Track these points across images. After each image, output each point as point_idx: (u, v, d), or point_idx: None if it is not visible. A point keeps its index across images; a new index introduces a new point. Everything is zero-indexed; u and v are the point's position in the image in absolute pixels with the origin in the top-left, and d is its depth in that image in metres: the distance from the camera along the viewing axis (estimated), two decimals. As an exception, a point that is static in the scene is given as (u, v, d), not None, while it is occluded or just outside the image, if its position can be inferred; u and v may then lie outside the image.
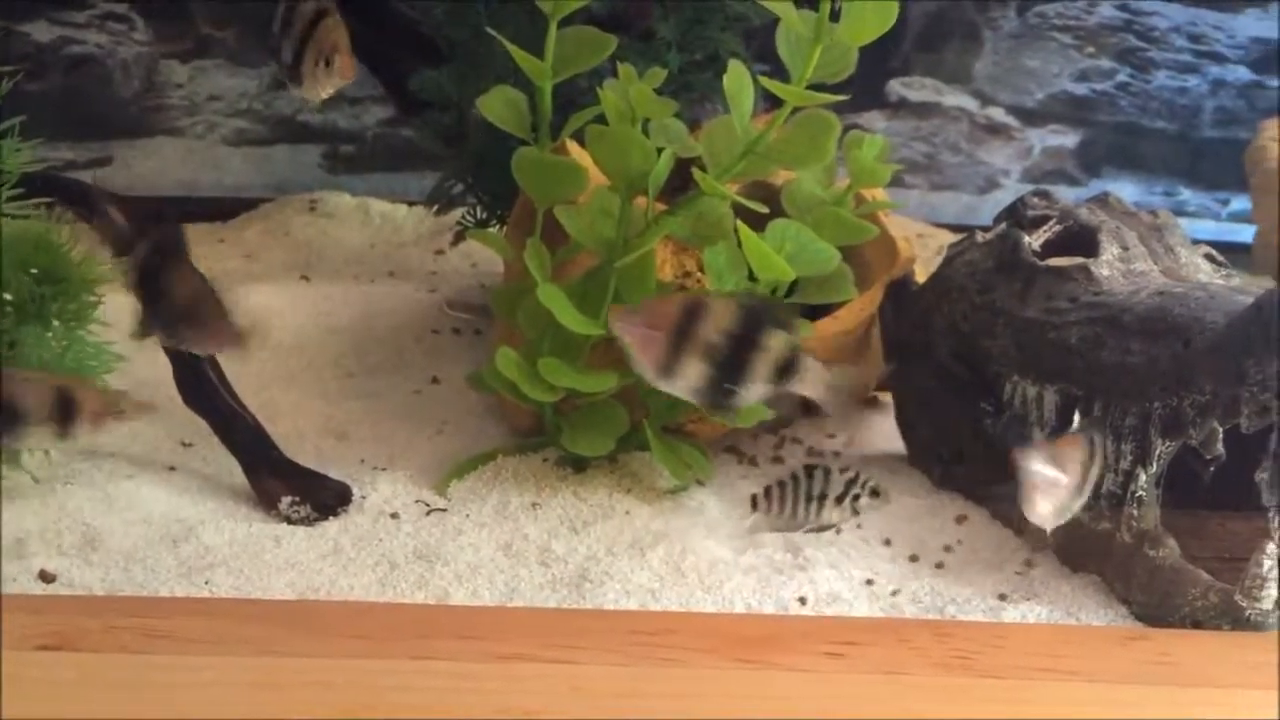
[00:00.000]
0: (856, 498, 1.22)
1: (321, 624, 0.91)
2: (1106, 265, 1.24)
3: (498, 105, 1.25)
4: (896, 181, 2.25)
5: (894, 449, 1.48)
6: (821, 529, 1.25)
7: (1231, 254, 2.03)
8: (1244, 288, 1.18)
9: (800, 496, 1.22)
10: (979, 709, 0.83)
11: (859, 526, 1.28)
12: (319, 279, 1.86)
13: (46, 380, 1.10)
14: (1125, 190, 2.21)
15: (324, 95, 1.20)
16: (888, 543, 1.27)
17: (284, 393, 1.53)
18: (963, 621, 1.02)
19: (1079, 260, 1.26)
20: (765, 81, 1.12)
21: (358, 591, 1.12)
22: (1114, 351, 1.17)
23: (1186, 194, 2.24)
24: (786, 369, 1.01)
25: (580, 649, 0.88)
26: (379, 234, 2.08)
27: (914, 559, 1.24)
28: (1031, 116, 2.21)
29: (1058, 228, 1.32)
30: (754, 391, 1.01)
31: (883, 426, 1.53)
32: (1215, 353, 1.07)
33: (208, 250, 1.94)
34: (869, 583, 1.18)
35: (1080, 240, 1.29)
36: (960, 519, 1.33)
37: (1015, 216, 1.38)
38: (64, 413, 1.06)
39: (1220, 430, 1.11)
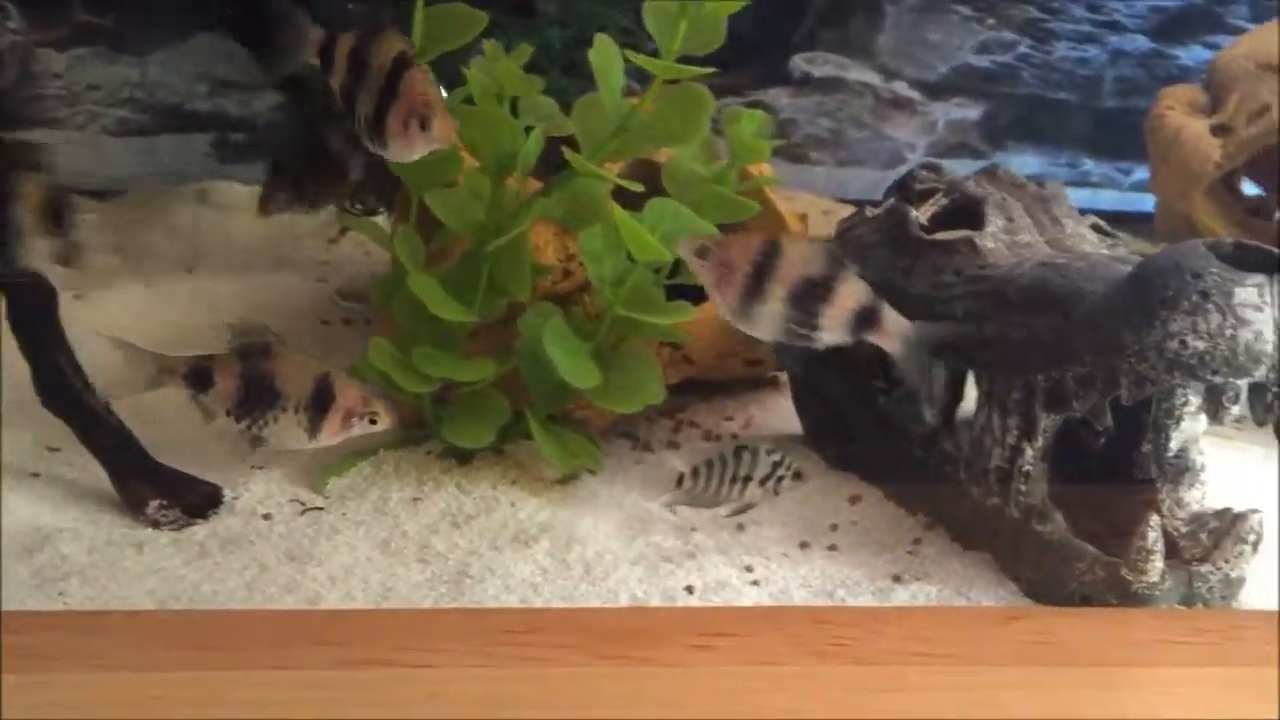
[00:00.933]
0: (780, 479, 1.20)
1: (168, 634, 0.86)
2: (991, 238, 1.22)
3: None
4: (802, 158, 2.25)
5: (791, 429, 1.46)
6: (743, 509, 1.23)
7: (1135, 224, 2.04)
8: (1126, 257, 1.16)
9: (727, 477, 1.20)
10: (851, 698, 0.81)
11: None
12: (205, 272, 1.80)
13: (310, 364, 1.06)
14: (1028, 162, 2.21)
15: (412, 158, 1.06)
16: (779, 526, 1.25)
17: (162, 392, 1.47)
18: (842, 607, 0.99)
19: (964, 233, 1.23)
20: (631, 55, 1.08)
21: (222, 597, 1.07)
22: (998, 325, 1.15)
23: (1089, 164, 2.24)
24: (53, 214, 0.96)
25: (441, 651, 0.84)
26: (272, 224, 2.01)
27: (804, 545, 1.22)
28: (935, 90, 2.20)
29: (944, 201, 1.30)
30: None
31: (780, 407, 1.51)
32: (1093, 324, 1.05)
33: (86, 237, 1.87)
34: (755, 569, 1.16)
35: (967, 213, 1.27)
36: (854, 499, 1.31)
37: (904, 190, 1.35)
38: (318, 402, 1.02)
39: (1106, 402, 1.10)
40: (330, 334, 1.65)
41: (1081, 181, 2.22)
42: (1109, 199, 2.19)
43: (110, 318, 1.61)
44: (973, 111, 2.21)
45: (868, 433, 1.33)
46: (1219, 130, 1.68)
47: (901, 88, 2.20)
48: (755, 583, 1.13)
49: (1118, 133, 2.19)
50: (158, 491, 1.19)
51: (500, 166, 1.12)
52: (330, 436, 1.05)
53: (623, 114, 1.10)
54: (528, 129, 1.12)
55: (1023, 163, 2.21)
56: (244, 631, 0.85)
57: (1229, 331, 0.97)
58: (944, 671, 0.84)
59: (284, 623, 0.88)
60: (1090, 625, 0.90)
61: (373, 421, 1.05)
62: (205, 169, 2.09)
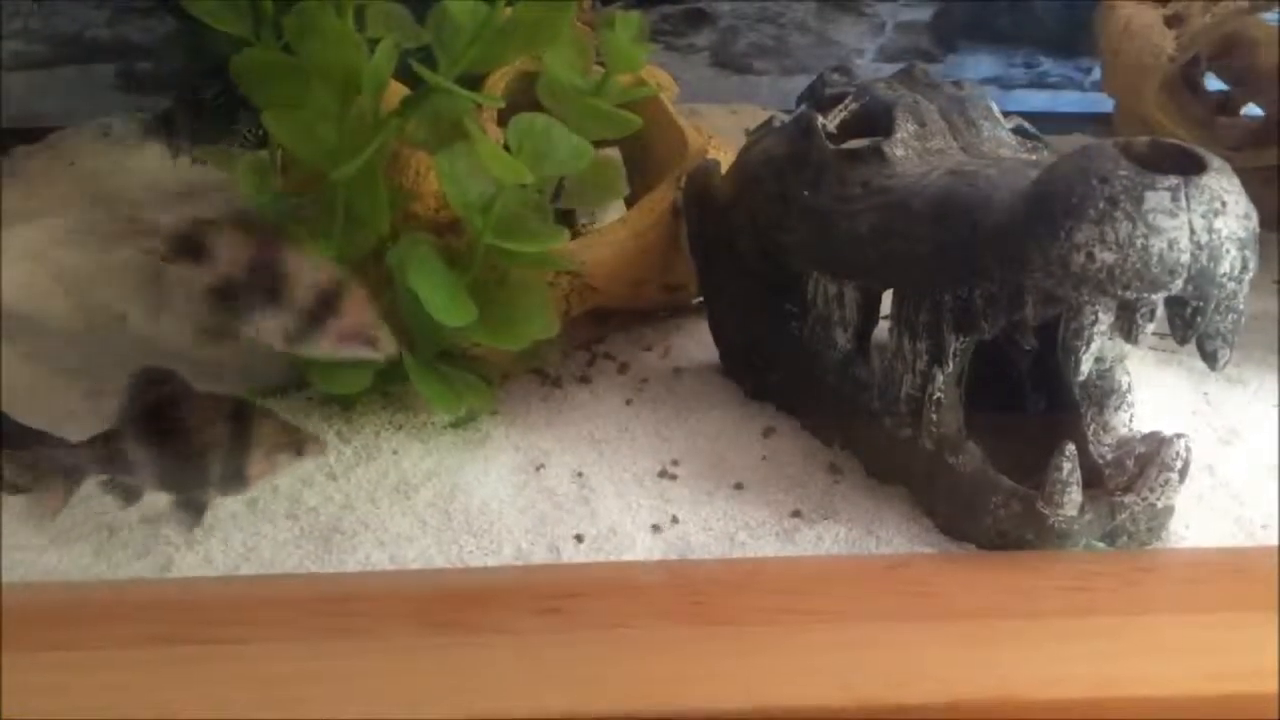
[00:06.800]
0: None
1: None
2: (901, 145, 1.12)
3: (211, 2, 1.09)
4: (745, 68, 2.13)
5: (711, 359, 1.37)
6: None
7: (1096, 126, 1.92)
8: (1042, 162, 1.06)
9: None
10: (698, 664, 0.72)
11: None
12: (101, 212, 1.70)
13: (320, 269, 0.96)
14: (983, 63, 2.08)
15: None
16: (677, 463, 1.16)
17: (41, 342, 1.39)
18: (705, 561, 0.91)
19: (871, 141, 1.13)
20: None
21: (65, 565, 0.99)
22: (904, 240, 1.05)
23: (1047, 64, 2.11)
24: None
25: (251, 625, 0.76)
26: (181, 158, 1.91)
27: (711, 481, 1.13)
28: (882, -10, 2.07)
29: (854, 106, 1.19)
30: None
31: (703, 335, 1.41)
32: (999, 237, 0.95)
33: None
34: (655, 511, 1.08)
35: (877, 118, 1.16)
36: (768, 432, 1.22)
37: (815, 96, 1.25)
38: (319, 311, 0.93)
39: (1020, 321, 1.00)
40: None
41: (1040, 83, 2.10)
42: (1069, 100, 2.07)
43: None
44: (923, 12, 2.08)
45: (782, 360, 1.24)
46: (1173, 20, 1.56)
47: (847, -12, 2.07)
48: (652, 529, 1.06)
49: (1076, 30, 2.05)
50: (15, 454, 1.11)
51: (347, 84, 1.01)
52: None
53: (478, 21, 0.99)
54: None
55: (977, 64, 2.08)
56: (36, 608, 0.77)
57: (1139, 241, 0.87)
58: (814, 629, 0.76)
59: (82, 598, 0.80)
60: (975, 573, 0.82)
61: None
62: (112, 102, 1.99)
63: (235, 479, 0.95)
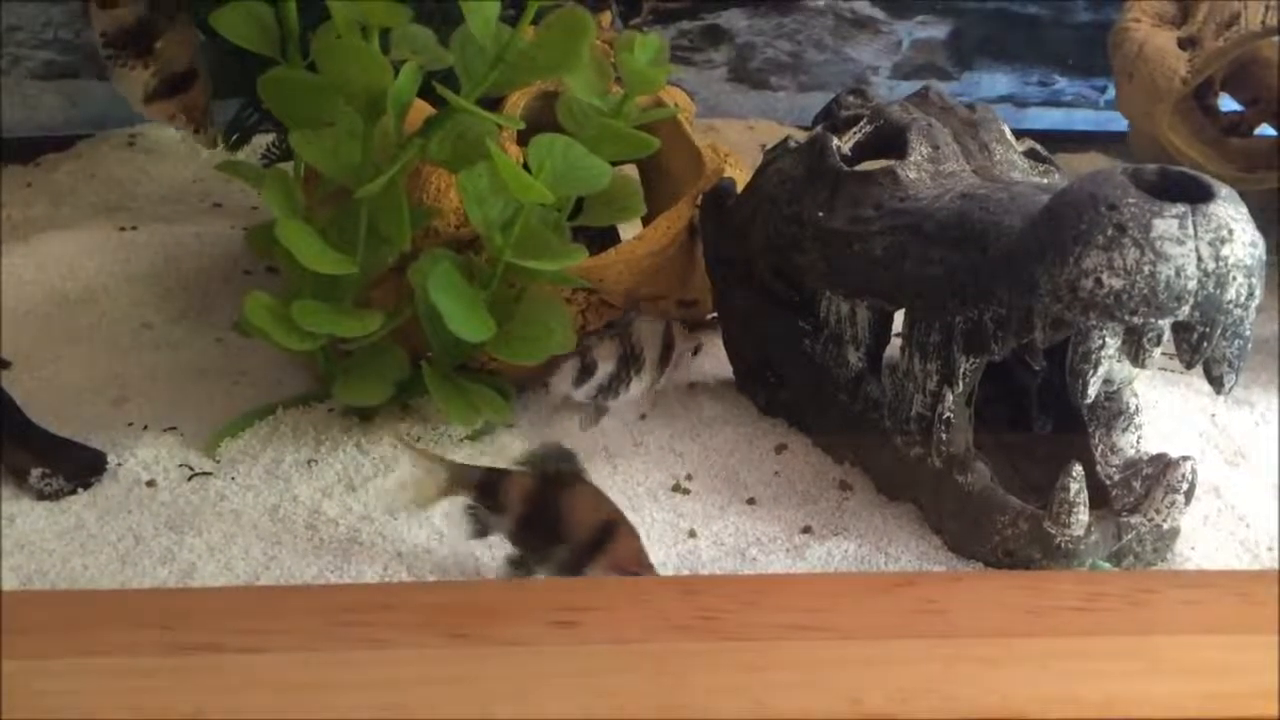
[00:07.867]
0: None
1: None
2: (914, 167, 1.13)
3: (238, 20, 1.11)
4: (762, 84, 2.15)
5: (726, 374, 1.39)
6: None
7: (1110, 144, 1.93)
8: (1053, 186, 1.07)
9: None
10: (708, 678, 0.74)
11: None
12: (126, 221, 1.73)
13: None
14: (999, 81, 2.09)
15: None
16: (691, 478, 1.18)
17: (69, 350, 1.41)
18: (716, 576, 0.92)
19: (885, 164, 1.15)
20: (501, -22, 0.99)
21: (92, 572, 1.02)
22: (916, 262, 1.07)
23: (1062, 82, 2.12)
24: None
25: (275, 634, 0.78)
26: (204, 168, 1.94)
27: (723, 496, 1.15)
28: (899, 8, 2.08)
29: (869, 128, 1.21)
30: None
31: (718, 349, 1.43)
32: (1009, 260, 0.97)
33: (9, 196, 1.80)
34: (668, 526, 1.09)
35: (891, 141, 1.18)
36: (780, 448, 1.24)
37: (830, 118, 1.27)
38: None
39: (1030, 343, 1.02)
40: (251, 284, 1.58)
41: (1055, 101, 2.11)
42: (1084, 118, 2.08)
43: (25, 271, 1.55)
44: (939, 30, 2.09)
45: (795, 377, 1.26)
46: (1186, 43, 1.57)
47: (863, 7, 2.08)
48: (666, 541, 1.07)
49: (1091, 48, 2.06)
50: (39, 458, 1.13)
51: (372, 105, 1.04)
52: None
53: (500, 45, 1.01)
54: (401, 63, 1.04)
55: (993, 82, 2.09)
56: (60, 613, 0.79)
57: (1147, 268, 0.89)
58: (822, 646, 0.77)
59: (106, 603, 0.82)
60: (982, 591, 0.83)
61: None
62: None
63: (568, 573, 0.94)
